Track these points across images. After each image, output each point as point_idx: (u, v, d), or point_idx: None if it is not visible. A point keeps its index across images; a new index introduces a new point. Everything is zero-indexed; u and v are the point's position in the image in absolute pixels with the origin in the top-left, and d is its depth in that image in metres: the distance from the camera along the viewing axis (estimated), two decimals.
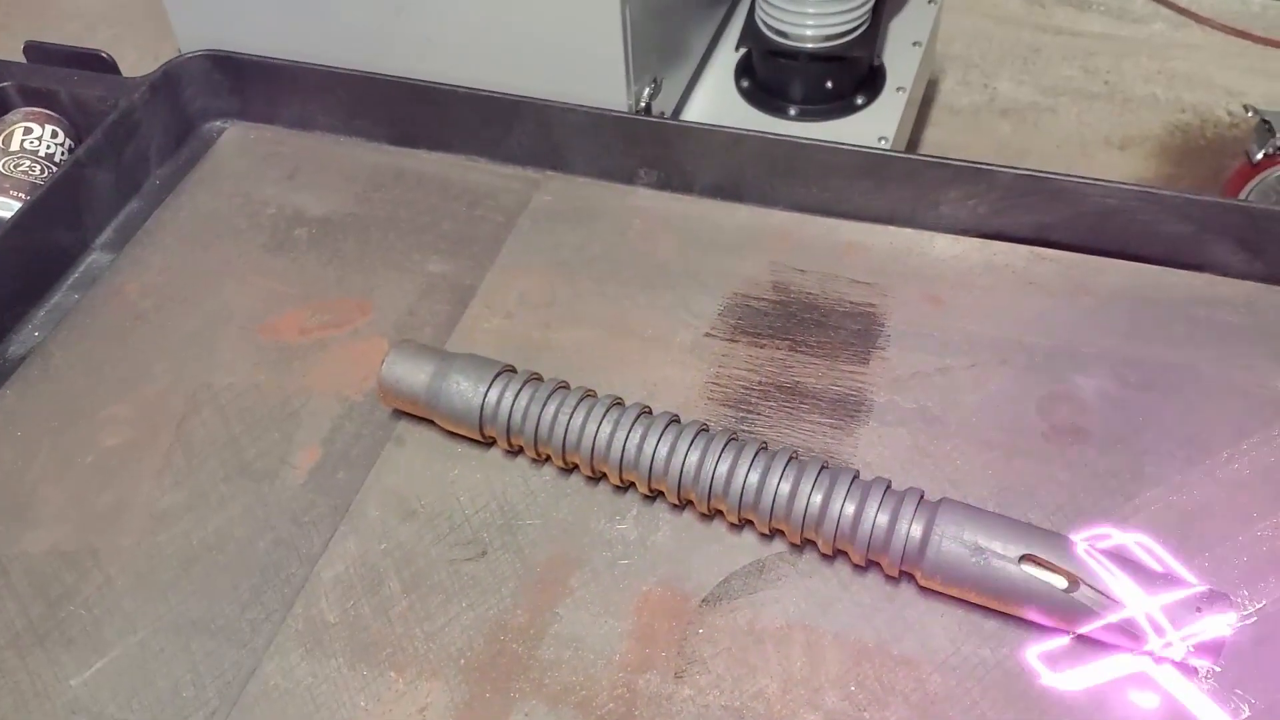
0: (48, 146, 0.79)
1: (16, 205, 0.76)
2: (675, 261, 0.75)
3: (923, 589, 0.58)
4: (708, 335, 0.71)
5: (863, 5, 1.27)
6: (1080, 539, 0.56)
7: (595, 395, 0.63)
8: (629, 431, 0.61)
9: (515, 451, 0.65)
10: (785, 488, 0.58)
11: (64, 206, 0.76)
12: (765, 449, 0.60)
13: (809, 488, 0.58)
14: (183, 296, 0.75)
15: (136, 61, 0.88)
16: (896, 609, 0.58)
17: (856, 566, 0.59)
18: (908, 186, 0.74)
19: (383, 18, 1.06)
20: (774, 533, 0.60)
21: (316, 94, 0.84)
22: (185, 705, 0.56)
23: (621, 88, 1.25)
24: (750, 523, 0.61)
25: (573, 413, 0.62)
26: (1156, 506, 0.61)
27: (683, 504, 0.62)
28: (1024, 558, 0.55)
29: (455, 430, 0.65)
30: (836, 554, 0.59)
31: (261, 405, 0.69)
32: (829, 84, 1.36)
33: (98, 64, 0.87)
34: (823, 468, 0.59)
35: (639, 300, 0.73)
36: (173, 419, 0.68)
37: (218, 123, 0.87)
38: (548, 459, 0.64)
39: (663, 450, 0.60)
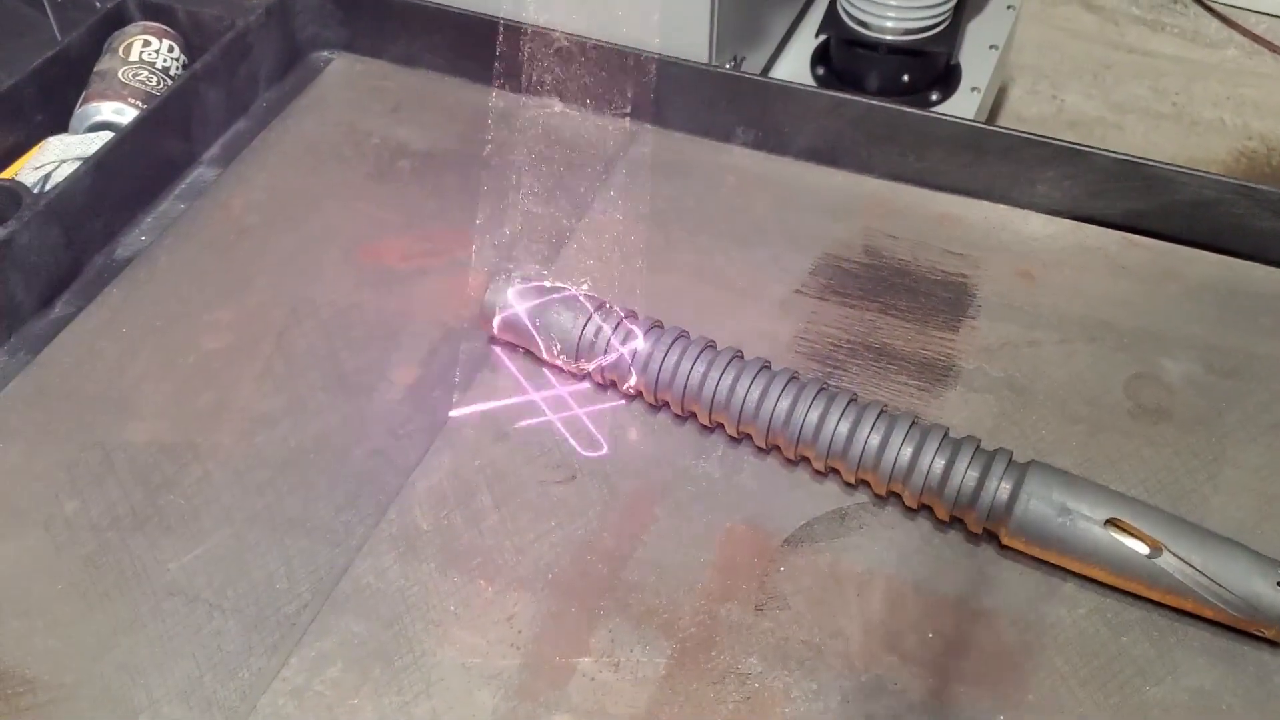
0: (164, 60, 0.81)
1: (133, 112, 0.78)
2: (768, 219, 0.77)
3: (1003, 548, 0.59)
4: (798, 292, 0.72)
5: (945, 1, 1.28)
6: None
7: (689, 336, 0.64)
8: (722, 373, 0.62)
9: (608, 385, 0.66)
10: (875, 439, 0.60)
11: (176, 119, 0.78)
12: (855, 400, 0.61)
13: (900, 440, 0.59)
14: (286, 214, 0.77)
15: None
16: (977, 565, 0.59)
17: (939, 522, 0.60)
18: (1006, 163, 0.75)
19: None
20: (859, 483, 0.61)
21: (424, 32, 0.86)
22: (279, 596, 0.58)
23: (705, 59, 1.27)
24: (835, 471, 0.62)
25: (667, 352, 0.63)
26: (1236, 488, 0.62)
27: (769, 449, 0.63)
28: (1109, 521, 0.56)
29: (552, 361, 0.66)
30: (921, 508, 0.60)
31: (361, 323, 0.70)
32: (905, 77, 1.37)
33: None
34: (913, 422, 0.60)
35: (731, 253, 0.74)
36: (273, 328, 0.70)
37: (325, 53, 0.88)
38: (638, 395, 0.65)
39: (754, 394, 0.61)
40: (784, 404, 0.61)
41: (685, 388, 0.63)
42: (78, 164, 0.72)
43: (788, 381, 0.62)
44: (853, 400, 0.61)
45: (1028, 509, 0.57)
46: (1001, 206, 0.77)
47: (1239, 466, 0.63)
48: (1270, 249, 0.73)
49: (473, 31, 0.84)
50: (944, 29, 1.33)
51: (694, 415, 0.64)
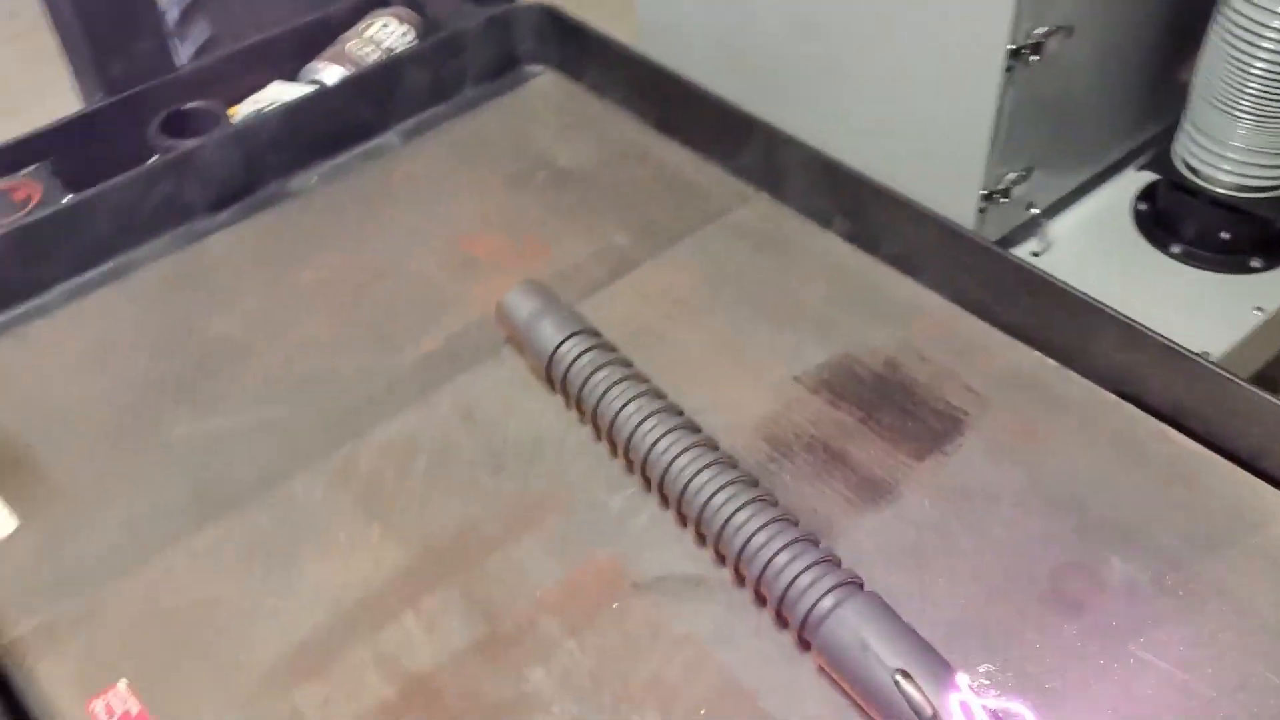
0: (393, 41, 0.96)
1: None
2: (817, 308, 0.79)
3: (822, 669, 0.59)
4: (796, 379, 0.74)
5: None
6: (965, 681, 0.55)
7: (642, 380, 0.69)
8: (643, 417, 0.66)
9: (572, 405, 0.72)
10: (741, 518, 0.61)
11: (374, 90, 0.92)
12: (745, 480, 0.63)
13: (757, 525, 0.61)
14: (427, 192, 0.89)
15: None
16: (790, 672, 0.60)
17: (780, 620, 0.61)
18: (1069, 327, 0.72)
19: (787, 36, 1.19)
20: (721, 558, 0.64)
21: (615, 67, 0.95)
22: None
23: (981, 162, 1.27)
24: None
25: (610, 388, 0.68)
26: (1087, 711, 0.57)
27: (666, 502, 0.66)
28: (899, 671, 0.55)
29: (533, 366, 0.73)
30: (762, 600, 0.62)
31: (428, 295, 0.81)
32: (1225, 235, 1.28)
33: None
34: (784, 518, 0.61)
35: (760, 328, 0.77)
36: (363, 278, 0.83)
37: (536, 67, 1.00)
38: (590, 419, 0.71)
39: (661, 444, 0.65)
40: (678, 460, 0.64)
41: (612, 421, 0.67)
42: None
43: (692, 442, 0.65)
44: (738, 479, 0.63)
45: (834, 631, 0.57)
46: (1051, 363, 0.74)
47: (1095, 697, 0.58)
48: None
49: (648, 76, 0.92)
50: None
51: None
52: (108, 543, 0.67)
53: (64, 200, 0.83)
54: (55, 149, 0.86)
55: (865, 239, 0.82)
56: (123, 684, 0.60)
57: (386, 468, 0.70)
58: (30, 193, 0.83)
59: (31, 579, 0.65)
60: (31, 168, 0.85)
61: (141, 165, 0.84)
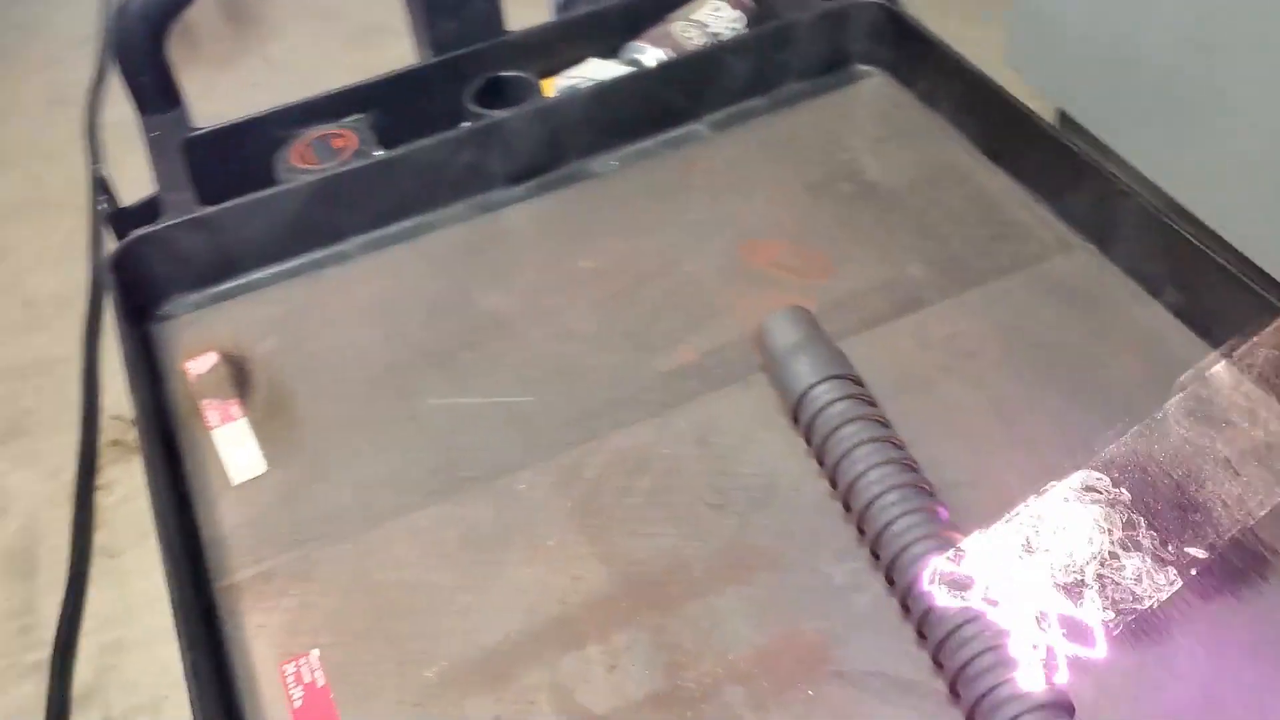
0: (720, 25, 0.92)
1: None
2: (1123, 389, 0.68)
3: None
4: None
5: None
6: None
7: (895, 445, 0.62)
8: (885, 488, 0.60)
9: (814, 453, 0.67)
10: (968, 631, 0.54)
11: (689, 77, 0.88)
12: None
13: (982, 646, 0.53)
14: (723, 189, 0.85)
15: None
16: None
17: None
18: None
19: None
20: (940, 667, 0.57)
21: (950, 78, 0.86)
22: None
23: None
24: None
25: (856, 446, 0.62)
26: None
27: (893, 586, 0.60)
28: None
29: (783, 402, 0.68)
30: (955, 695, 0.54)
31: (696, 301, 0.77)
32: None
33: None
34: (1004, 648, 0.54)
35: (1050, 401, 0.68)
36: (639, 271, 0.80)
37: (868, 67, 0.93)
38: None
39: (898, 524, 0.59)
40: (914, 547, 0.58)
41: (851, 491, 0.61)
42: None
43: (935, 532, 0.58)
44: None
45: None
46: None
47: None
48: None
49: (990, 98, 0.83)
50: None
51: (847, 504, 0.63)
52: (340, 503, 0.69)
53: (375, 154, 0.85)
54: (377, 102, 0.89)
55: (1197, 318, 0.71)
56: (315, 653, 0.61)
57: (611, 479, 0.68)
58: (347, 142, 0.86)
59: (263, 527, 0.68)
60: (353, 117, 0.88)
61: (451, 130, 0.85)
